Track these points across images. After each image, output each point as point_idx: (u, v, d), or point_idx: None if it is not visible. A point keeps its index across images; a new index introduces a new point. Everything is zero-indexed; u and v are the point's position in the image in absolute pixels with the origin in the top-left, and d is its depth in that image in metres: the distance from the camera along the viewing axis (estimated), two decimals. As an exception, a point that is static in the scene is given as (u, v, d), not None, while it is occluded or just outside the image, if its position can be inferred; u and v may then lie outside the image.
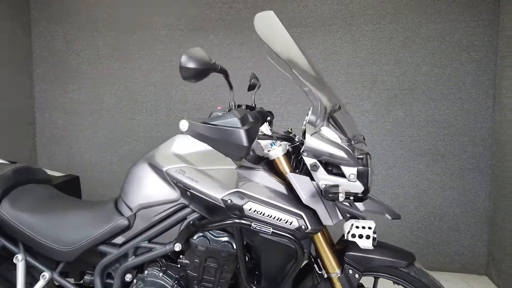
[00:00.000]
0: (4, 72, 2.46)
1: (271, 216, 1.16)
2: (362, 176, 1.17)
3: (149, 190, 1.30)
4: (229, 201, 1.16)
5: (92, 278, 1.37)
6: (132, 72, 3.10)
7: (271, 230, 1.15)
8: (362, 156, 1.19)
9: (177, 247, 1.25)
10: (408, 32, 2.75)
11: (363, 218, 1.22)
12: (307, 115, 1.28)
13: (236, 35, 2.96)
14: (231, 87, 1.32)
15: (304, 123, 1.37)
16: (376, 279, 1.33)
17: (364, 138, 1.35)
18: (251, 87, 1.74)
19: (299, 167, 1.28)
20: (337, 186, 1.13)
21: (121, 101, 3.14)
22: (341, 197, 1.11)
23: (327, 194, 1.12)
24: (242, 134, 1.13)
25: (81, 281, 1.43)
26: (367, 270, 1.28)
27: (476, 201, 2.72)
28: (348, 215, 1.21)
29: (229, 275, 1.27)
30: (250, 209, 1.16)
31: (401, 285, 1.30)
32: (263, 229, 1.15)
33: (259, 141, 1.31)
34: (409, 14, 2.74)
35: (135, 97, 3.11)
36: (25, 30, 3.11)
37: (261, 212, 1.16)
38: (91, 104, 3.17)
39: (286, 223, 1.15)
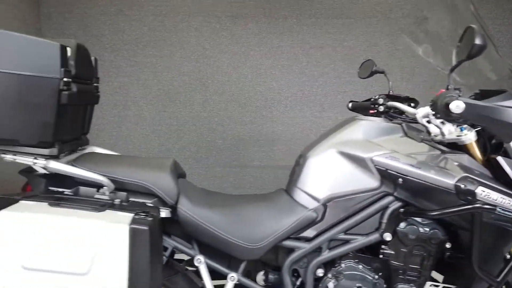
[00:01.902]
0: None
1: (497, 199, 1.17)
2: None
3: (343, 179, 1.23)
4: (462, 186, 1.15)
5: (276, 276, 1.27)
6: (163, 61, 2.87)
7: None
8: None
9: (388, 236, 1.21)
10: (442, 27, 2.91)
11: None
12: None
13: (276, 25, 2.89)
14: (452, 70, 1.28)
15: None
16: None
17: None
18: (371, 74, 1.73)
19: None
20: None
21: (150, 92, 2.88)
22: None
23: None
24: None
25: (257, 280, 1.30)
26: None
27: None
28: None
29: (434, 263, 1.26)
30: (481, 194, 1.16)
31: None
32: (507, 213, 1.16)
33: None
34: (443, 10, 2.91)
35: (167, 87, 2.88)
36: (32, 10, 2.70)
37: (491, 196, 1.16)
38: (115, 95, 2.86)
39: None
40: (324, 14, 2.91)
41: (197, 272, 1.26)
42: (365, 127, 1.30)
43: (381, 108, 1.52)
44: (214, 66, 2.89)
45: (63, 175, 1.19)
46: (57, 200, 1.01)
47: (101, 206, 1.03)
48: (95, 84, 1.39)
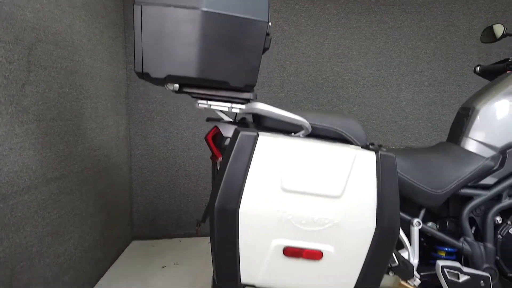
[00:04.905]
0: (95, 40, 2.13)
1: None
2: None
3: None
4: None
5: (451, 224, 1.28)
6: (242, 42, 2.89)
7: None
8: None
9: None
10: (520, 6, 2.92)
11: None
12: None
13: (354, 5, 2.91)
14: None
15: None
16: None
17: None
18: (501, 38, 1.73)
19: None
20: None
21: (229, 72, 2.90)
22: None
23: None
24: None
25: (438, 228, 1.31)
26: None
27: None
28: None
29: None
30: None
31: None
32: None
33: None
34: (521, -11, 2.91)
35: (246, 68, 2.90)
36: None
37: None
38: (195, 76, 2.88)
39: None
40: (402, -6, 2.92)
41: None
42: None
43: None
44: (292, 47, 2.91)
45: (248, 122, 1.21)
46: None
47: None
48: None
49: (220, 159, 1.18)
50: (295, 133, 1.17)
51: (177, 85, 1.11)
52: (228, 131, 1.20)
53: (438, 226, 1.31)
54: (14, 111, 1.37)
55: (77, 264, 1.88)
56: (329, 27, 2.91)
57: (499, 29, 1.75)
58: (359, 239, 0.89)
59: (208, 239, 2.93)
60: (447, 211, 1.32)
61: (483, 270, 1.23)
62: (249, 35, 1.07)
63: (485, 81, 2.90)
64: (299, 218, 0.87)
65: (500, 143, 1.26)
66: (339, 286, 0.91)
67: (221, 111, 1.20)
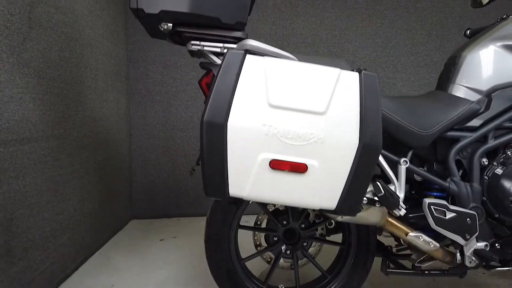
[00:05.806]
0: (95, 14, 2.18)
1: None
2: None
3: (508, 70, 1.28)
4: None
5: (439, 167, 1.31)
6: (240, 23, 2.94)
7: None
8: None
9: None
10: (514, -13, 2.96)
11: None
12: None
13: (350, -13, 2.96)
14: None
15: None
16: None
17: None
18: (490, 1, 1.76)
19: None
20: None
21: (227, 53, 2.95)
22: None
23: None
24: None
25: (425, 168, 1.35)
26: None
27: None
28: None
29: None
30: None
31: None
32: None
33: None
34: (515, -29, 2.96)
35: (244, 49, 2.95)
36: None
37: None
38: (190, 58, 2.93)
39: None
40: (397, -24, 2.97)
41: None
42: None
43: None
44: (289, 28, 2.96)
45: None
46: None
47: None
48: None
49: None
50: None
51: (170, 25, 1.15)
52: None
53: (425, 169, 1.34)
54: (15, 62, 1.42)
55: (76, 227, 1.91)
56: (326, 8, 2.96)
57: (487, -8, 1.79)
58: (343, 154, 0.92)
59: (206, 218, 2.95)
60: (434, 154, 1.34)
61: (470, 209, 1.25)
62: None
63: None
64: (285, 132, 0.91)
65: (485, 86, 1.29)
66: (324, 200, 0.94)
67: (213, 53, 1.24)
